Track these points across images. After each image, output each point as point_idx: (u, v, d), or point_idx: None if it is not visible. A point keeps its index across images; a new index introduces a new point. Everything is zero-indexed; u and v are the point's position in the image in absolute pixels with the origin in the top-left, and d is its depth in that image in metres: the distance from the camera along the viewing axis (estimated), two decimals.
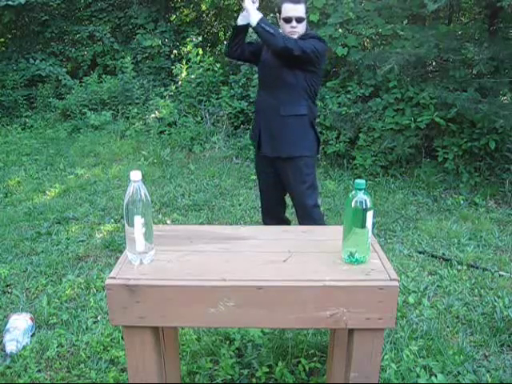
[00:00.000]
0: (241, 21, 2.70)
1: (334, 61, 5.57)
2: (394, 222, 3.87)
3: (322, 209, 3.01)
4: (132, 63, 7.69)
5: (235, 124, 6.39)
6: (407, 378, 2.10)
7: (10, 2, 7.26)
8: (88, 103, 7.49)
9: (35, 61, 8.02)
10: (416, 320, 2.53)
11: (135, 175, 1.50)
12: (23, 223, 3.89)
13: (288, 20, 2.58)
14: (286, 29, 2.61)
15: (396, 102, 4.91)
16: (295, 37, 2.61)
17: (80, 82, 7.99)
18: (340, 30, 5.33)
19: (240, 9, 9.71)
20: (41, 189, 4.71)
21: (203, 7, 9.16)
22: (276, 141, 2.75)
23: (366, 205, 1.50)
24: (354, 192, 1.52)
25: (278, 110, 2.70)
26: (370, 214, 1.51)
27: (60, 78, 7.96)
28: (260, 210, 3.14)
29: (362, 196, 1.51)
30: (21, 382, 2.13)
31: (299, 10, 2.57)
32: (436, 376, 2.09)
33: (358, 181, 1.52)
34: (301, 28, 2.61)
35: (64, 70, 8.17)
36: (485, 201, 4.31)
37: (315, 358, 2.21)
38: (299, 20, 2.58)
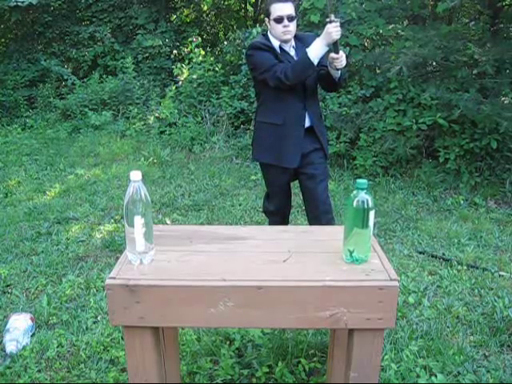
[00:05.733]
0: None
1: None
2: (394, 222, 3.87)
3: None
4: (132, 63, 7.69)
5: (235, 124, 6.39)
6: (407, 378, 2.10)
7: (19, 3, 7.28)
8: (88, 103, 7.49)
9: (41, 60, 8.04)
10: (416, 320, 2.53)
11: (135, 175, 1.50)
12: (23, 223, 3.89)
13: (279, 20, 2.49)
14: (279, 29, 2.51)
15: (397, 103, 4.91)
16: (289, 37, 2.54)
17: (82, 82, 8.00)
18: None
19: (240, 9, 9.72)
20: (41, 189, 4.71)
21: (204, 7, 9.17)
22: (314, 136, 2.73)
23: (367, 204, 1.50)
24: (355, 192, 1.52)
25: (318, 114, 2.80)
26: (371, 214, 1.51)
27: (66, 77, 7.99)
28: (261, 209, 3.14)
29: (363, 196, 1.50)
30: (21, 381, 2.13)
31: (289, 8, 2.49)
32: (436, 376, 2.09)
33: (359, 180, 1.51)
34: (293, 27, 2.53)
35: (69, 70, 8.20)
36: (485, 201, 4.30)
37: (315, 358, 2.21)
38: (290, 18, 2.49)
